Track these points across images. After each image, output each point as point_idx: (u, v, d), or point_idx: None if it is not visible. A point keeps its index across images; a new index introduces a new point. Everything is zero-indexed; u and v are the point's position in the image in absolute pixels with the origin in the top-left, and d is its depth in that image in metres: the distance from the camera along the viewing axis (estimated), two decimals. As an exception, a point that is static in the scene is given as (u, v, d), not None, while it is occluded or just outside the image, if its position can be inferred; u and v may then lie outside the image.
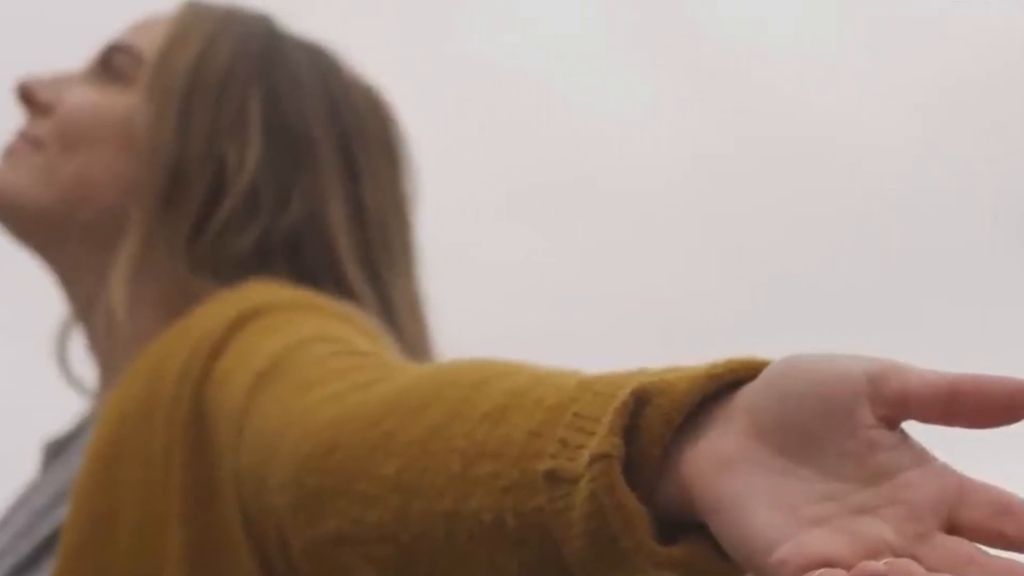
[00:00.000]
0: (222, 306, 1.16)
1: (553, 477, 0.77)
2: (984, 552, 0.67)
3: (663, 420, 0.74)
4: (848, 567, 0.66)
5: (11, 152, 1.31)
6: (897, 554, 0.68)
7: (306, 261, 1.26)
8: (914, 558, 0.67)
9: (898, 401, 0.69)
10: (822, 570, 0.67)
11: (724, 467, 0.72)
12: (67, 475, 1.21)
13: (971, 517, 0.68)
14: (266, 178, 1.26)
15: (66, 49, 1.38)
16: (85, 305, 1.30)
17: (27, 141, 1.30)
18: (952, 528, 0.69)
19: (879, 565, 0.65)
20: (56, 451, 1.30)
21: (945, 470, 0.70)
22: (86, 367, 1.34)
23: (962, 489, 0.69)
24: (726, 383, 0.74)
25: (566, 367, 0.85)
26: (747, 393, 0.73)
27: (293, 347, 1.05)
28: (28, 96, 1.32)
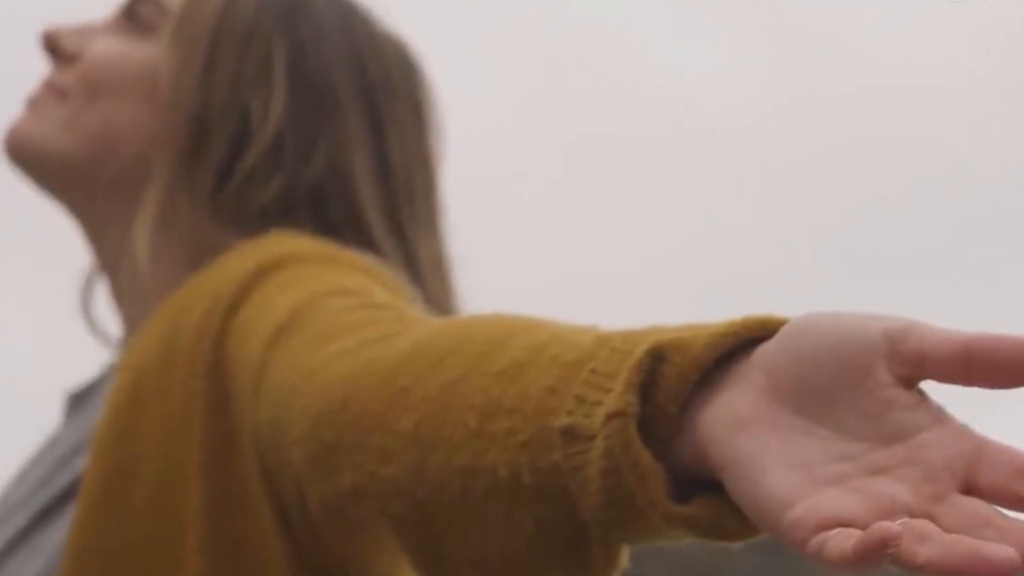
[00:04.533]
0: (242, 258, 1.16)
1: (570, 433, 0.76)
2: (1002, 514, 0.66)
3: (679, 377, 0.73)
4: (863, 527, 0.66)
5: (35, 102, 1.31)
6: (913, 514, 0.67)
7: (329, 214, 1.25)
8: (930, 518, 0.67)
9: (916, 361, 0.69)
10: (836, 529, 0.66)
11: (740, 426, 0.71)
12: (88, 425, 1.21)
13: (989, 479, 0.67)
14: (290, 130, 1.26)
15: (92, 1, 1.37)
16: (108, 256, 1.29)
17: (51, 90, 1.30)
18: (970, 489, 0.68)
19: (894, 526, 0.65)
20: (77, 401, 1.31)
21: (963, 430, 0.69)
22: (110, 319, 1.34)
23: (980, 450, 0.68)
24: (744, 341, 0.74)
25: (590, 322, 0.84)
26: (764, 351, 0.72)
27: (311, 300, 1.04)
28: (53, 45, 1.31)
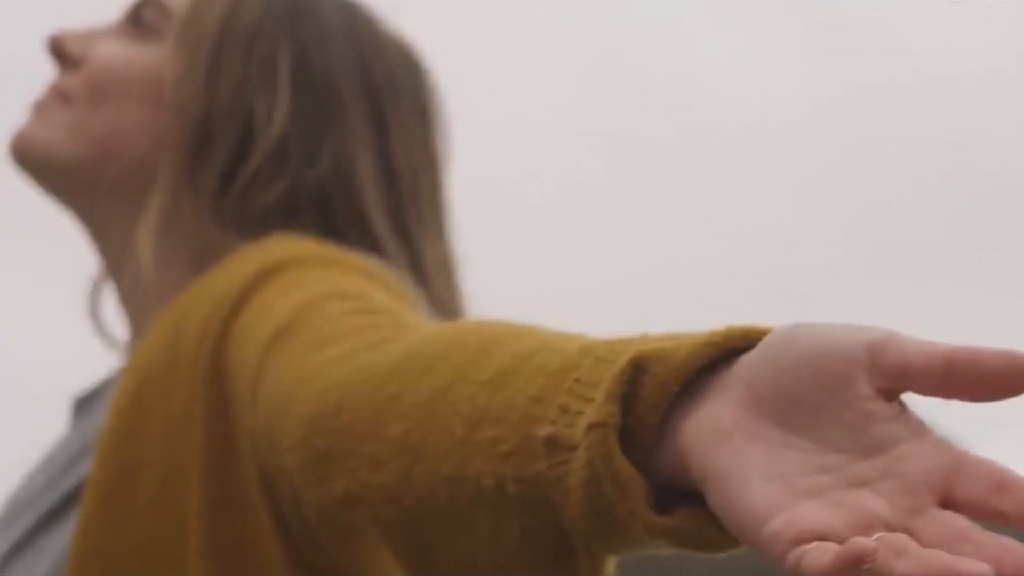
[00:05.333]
0: (243, 261, 1.16)
1: (553, 443, 0.76)
2: (979, 529, 0.66)
3: (660, 388, 0.73)
4: (841, 541, 0.65)
5: (40, 106, 1.31)
6: (891, 528, 0.67)
7: (334, 216, 1.26)
8: (908, 532, 0.66)
9: (896, 373, 0.68)
10: (814, 543, 0.66)
11: (720, 437, 0.71)
12: (92, 429, 1.22)
13: (968, 493, 0.67)
14: (294, 132, 1.26)
15: (98, 5, 1.37)
16: (113, 259, 1.30)
17: (56, 95, 1.31)
18: (948, 503, 0.67)
19: (869, 542, 0.64)
20: (83, 405, 1.31)
21: (942, 444, 0.69)
22: (117, 322, 1.35)
23: (959, 464, 0.68)
24: (726, 351, 0.73)
25: (576, 331, 0.84)
26: (746, 362, 0.72)
27: (309, 304, 1.05)
28: (58, 50, 1.32)
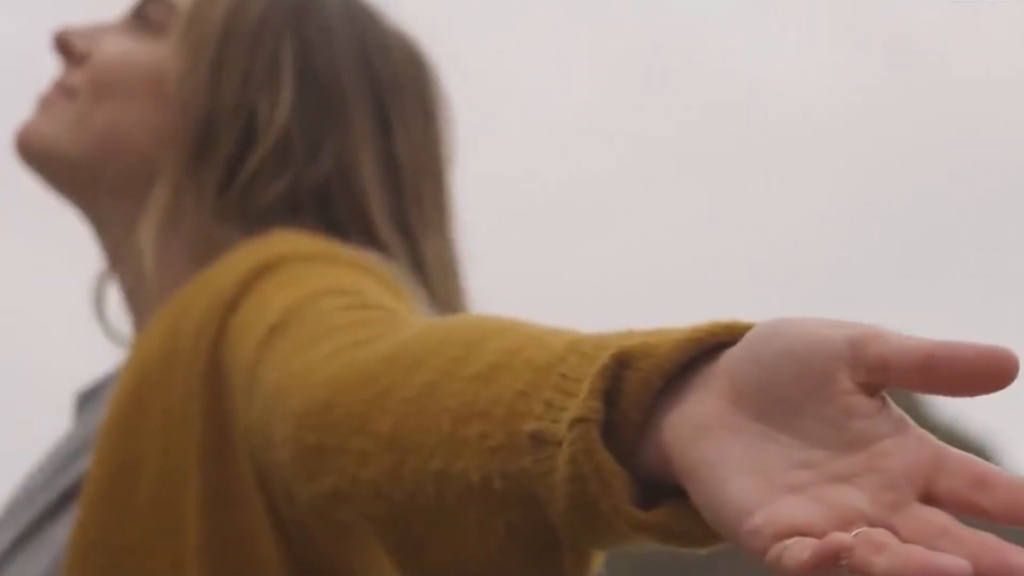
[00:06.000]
0: (241, 257, 1.16)
1: (538, 438, 0.76)
2: (959, 525, 0.66)
3: (643, 383, 0.73)
4: (821, 536, 0.65)
5: (45, 101, 1.32)
6: (872, 523, 0.66)
7: (336, 213, 1.25)
8: (889, 527, 0.66)
9: (878, 368, 0.68)
10: (794, 539, 0.66)
11: (702, 432, 0.71)
12: (94, 424, 1.22)
13: (948, 487, 0.67)
14: (297, 128, 1.26)
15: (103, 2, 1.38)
16: (116, 255, 1.30)
17: (61, 91, 1.31)
18: (930, 498, 0.67)
19: (847, 537, 0.64)
20: (86, 400, 1.31)
21: (924, 439, 0.68)
22: (123, 318, 1.35)
23: (940, 459, 0.67)
24: (709, 346, 0.73)
25: (567, 326, 0.84)
26: (729, 357, 0.72)
27: (305, 300, 1.05)
28: (63, 46, 1.32)
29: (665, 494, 0.74)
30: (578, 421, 0.73)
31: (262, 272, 1.12)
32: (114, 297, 1.35)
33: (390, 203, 1.27)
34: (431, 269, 1.28)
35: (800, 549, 0.65)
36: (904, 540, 0.65)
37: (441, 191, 1.32)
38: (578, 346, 0.78)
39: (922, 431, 0.69)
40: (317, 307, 1.03)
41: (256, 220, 1.23)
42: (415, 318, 1.05)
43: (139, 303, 1.28)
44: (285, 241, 1.17)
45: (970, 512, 0.66)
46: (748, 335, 0.71)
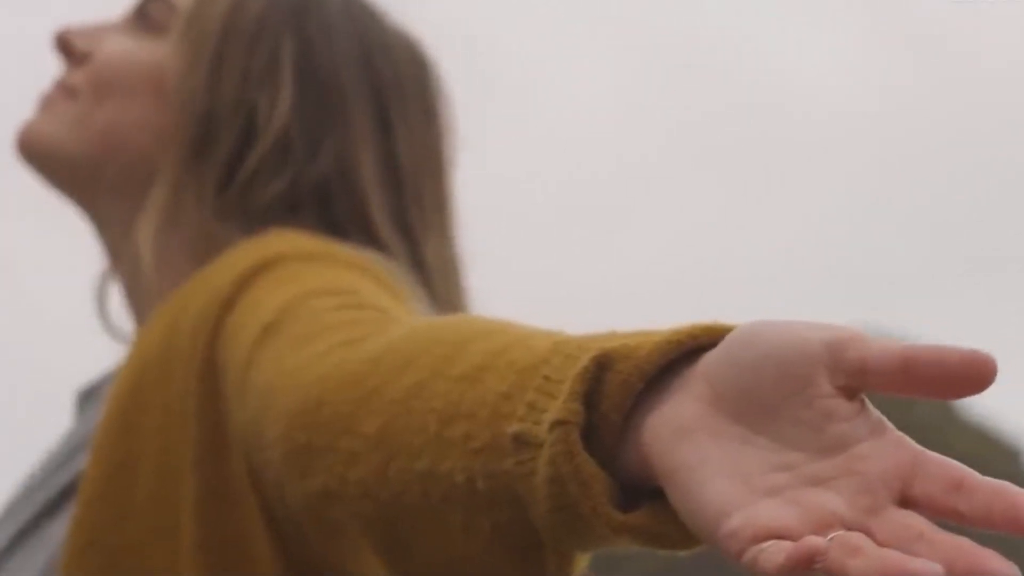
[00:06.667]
0: (239, 256, 1.16)
1: (520, 440, 0.76)
2: (935, 529, 0.66)
3: (623, 386, 0.73)
4: (797, 539, 0.65)
5: (47, 101, 1.32)
6: (848, 527, 0.66)
7: (335, 212, 1.26)
8: (865, 531, 0.66)
9: (856, 371, 0.68)
10: (770, 542, 0.66)
11: (682, 434, 0.71)
12: (92, 423, 1.22)
13: (925, 491, 0.67)
14: (296, 127, 1.26)
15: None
16: (117, 254, 1.31)
17: (62, 90, 1.31)
18: (907, 501, 0.67)
19: (821, 541, 0.64)
20: (88, 398, 1.32)
21: (901, 442, 0.68)
22: (125, 316, 1.35)
23: (917, 462, 0.67)
24: (689, 348, 0.73)
25: (554, 327, 0.84)
26: (708, 360, 0.72)
27: (298, 300, 1.05)
28: (65, 45, 1.33)
29: (647, 496, 0.74)
30: (558, 423, 0.73)
31: (259, 271, 1.13)
32: (116, 294, 1.36)
33: (390, 202, 1.27)
34: (431, 268, 1.28)
35: (775, 552, 0.65)
36: (880, 544, 0.65)
37: (442, 190, 1.32)
38: (562, 347, 0.78)
39: (900, 434, 0.69)
40: (310, 306, 1.03)
41: (256, 219, 1.24)
42: (410, 318, 1.05)
43: (139, 301, 1.29)
44: (283, 240, 1.18)
45: (946, 515, 0.66)
46: (727, 338, 0.71)
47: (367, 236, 1.25)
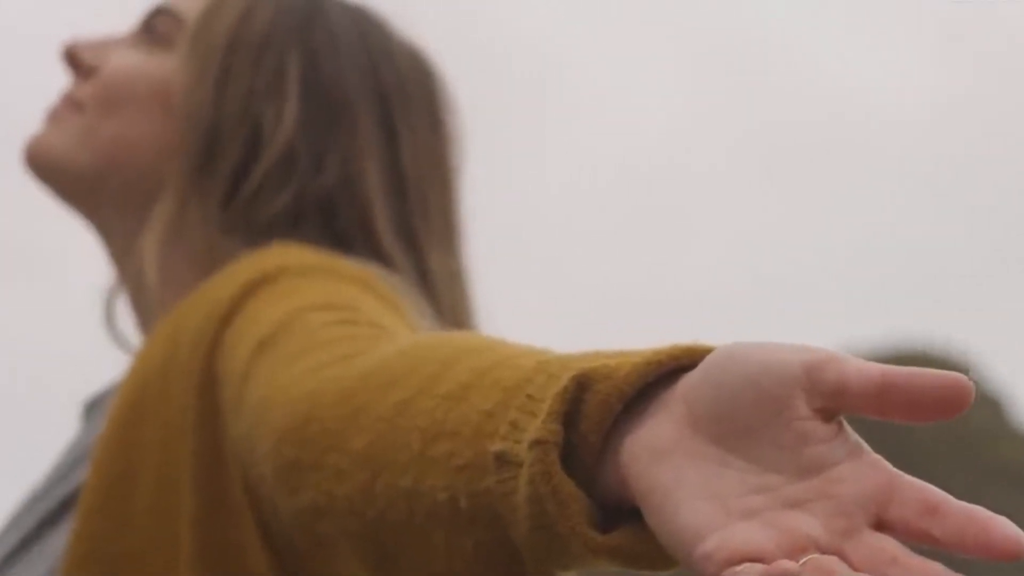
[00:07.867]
0: (239, 270, 1.16)
1: (502, 459, 0.76)
2: (908, 553, 0.65)
3: (601, 406, 0.73)
4: (771, 562, 0.65)
5: (54, 114, 1.33)
6: (823, 550, 0.66)
7: (340, 225, 1.26)
8: (839, 554, 0.66)
9: (834, 393, 0.68)
10: (744, 565, 0.66)
11: (659, 456, 0.71)
12: (94, 434, 1.23)
13: (900, 515, 0.67)
14: (302, 140, 1.26)
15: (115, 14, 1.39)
16: (123, 266, 1.31)
17: (69, 103, 1.32)
18: (882, 525, 0.67)
19: (793, 564, 0.64)
20: (92, 409, 1.32)
21: (877, 465, 0.68)
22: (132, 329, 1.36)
23: (892, 486, 0.67)
24: (669, 369, 0.73)
25: (546, 345, 0.84)
26: (687, 381, 0.72)
27: (296, 314, 1.05)
28: (72, 59, 1.33)
29: (627, 516, 0.74)
30: (537, 443, 0.73)
31: (259, 284, 1.13)
32: (123, 305, 1.36)
33: (395, 215, 1.27)
34: (436, 279, 1.28)
35: (748, 574, 0.65)
36: (854, 567, 0.65)
37: (448, 200, 1.32)
38: (545, 367, 0.78)
39: (876, 457, 0.68)
40: (307, 321, 1.04)
41: (260, 232, 1.24)
42: (406, 334, 1.05)
43: (144, 313, 1.29)
44: (285, 254, 1.18)
45: (920, 539, 0.66)
46: (707, 360, 0.71)
47: (371, 248, 1.25)
